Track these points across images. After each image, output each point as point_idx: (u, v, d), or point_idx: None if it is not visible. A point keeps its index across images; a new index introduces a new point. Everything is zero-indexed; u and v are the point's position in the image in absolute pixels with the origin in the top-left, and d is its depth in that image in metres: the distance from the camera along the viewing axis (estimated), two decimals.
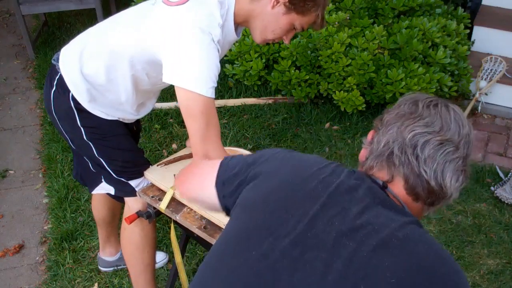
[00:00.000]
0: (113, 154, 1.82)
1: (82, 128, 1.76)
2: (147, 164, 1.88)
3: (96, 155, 1.81)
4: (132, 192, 1.88)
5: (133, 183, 1.87)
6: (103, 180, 1.92)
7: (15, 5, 3.87)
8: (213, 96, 1.49)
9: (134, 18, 1.64)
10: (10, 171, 3.09)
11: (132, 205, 1.91)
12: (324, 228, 0.98)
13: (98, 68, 1.65)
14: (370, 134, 1.13)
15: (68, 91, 1.71)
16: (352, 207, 1.01)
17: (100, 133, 1.77)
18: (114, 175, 1.85)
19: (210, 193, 1.23)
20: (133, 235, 1.96)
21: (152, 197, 1.80)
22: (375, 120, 1.13)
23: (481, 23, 3.67)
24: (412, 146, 1.02)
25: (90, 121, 1.75)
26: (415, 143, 1.02)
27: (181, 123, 3.29)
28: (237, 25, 1.62)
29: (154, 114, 3.37)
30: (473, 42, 3.70)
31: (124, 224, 1.98)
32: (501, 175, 2.96)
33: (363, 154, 1.13)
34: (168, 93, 3.57)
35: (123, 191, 1.90)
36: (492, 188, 2.87)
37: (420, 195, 1.04)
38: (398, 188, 1.05)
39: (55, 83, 1.74)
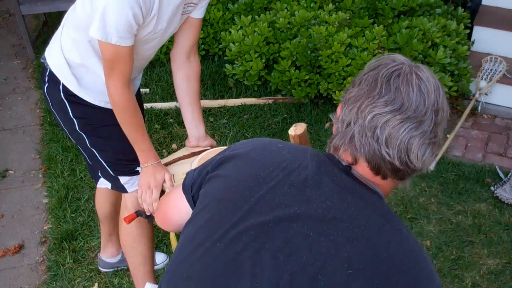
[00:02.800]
0: (104, 145, 1.84)
1: (74, 119, 1.80)
2: (138, 162, 1.87)
3: (89, 146, 1.84)
4: (122, 188, 1.91)
5: (122, 179, 1.89)
6: (100, 174, 1.95)
7: (15, 5, 3.87)
8: (121, 43, 1.56)
9: None
10: (10, 171, 3.09)
11: (127, 201, 1.94)
12: (287, 218, 0.99)
13: (70, 45, 1.75)
14: (338, 109, 1.09)
15: (58, 82, 1.77)
16: (315, 197, 1.00)
17: (91, 123, 1.81)
18: (107, 167, 1.87)
19: (181, 203, 1.21)
20: (129, 227, 1.98)
21: None
22: (343, 93, 1.08)
23: (481, 23, 3.67)
24: (371, 129, 0.97)
25: (81, 111, 1.80)
26: (375, 124, 0.97)
27: (181, 123, 3.29)
28: None
29: (154, 114, 3.37)
30: (473, 42, 3.70)
31: (121, 217, 2.01)
32: (501, 175, 2.96)
33: (334, 129, 1.11)
34: (168, 93, 3.57)
35: (116, 186, 1.93)
36: (492, 188, 2.87)
37: (387, 173, 1.01)
38: (363, 169, 1.03)
39: (46, 79, 1.81)
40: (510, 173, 2.93)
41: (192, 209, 1.18)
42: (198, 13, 1.81)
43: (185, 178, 1.22)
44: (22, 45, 4.29)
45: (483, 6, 3.84)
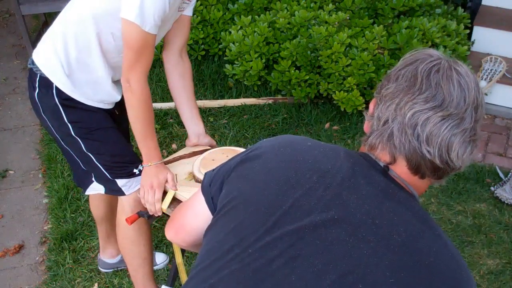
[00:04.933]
0: (100, 148, 1.83)
1: (69, 124, 1.78)
2: (135, 163, 1.87)
3: (85, 150, 1.82)
4: (119, 191, 1.90)
5: (119, 182, 1.88)
6: (93, 179, 1.94)
7: (15, 5, 3.87)
8: (152, 31, 1.57)
9: None
10: (10, 171, 3.09)
11: (125, 204, 1.93)
12: (324, 223, 0.93)
13: (67, 41, 1.70)
14: (371, 105, 1.04)
15: (51, 86, 1.74)
16: (352, 201, 0.95)
17: (86, 127, 1.80)
18: (104, 171, 1.86)
19: (200, 207, 1.14)
20: (127, 230, 1.98)
21: None
22: (377, 88, 1.03)
23: (481, 23, 3.67)
24: (412, 126, 0.94)
25: (76, 115, 1.78)
26: (415, 122, 0.93)
27: (181, 123, 3.28)
28: None
29: (154, 114, 3.37)
30: (473, 42, 3.70)
31: (118, 220, 2.00)
32: (501, 175, 2.96)
33: (366, 126, 1.06)
34: (168, 93, 3.57)
35: (112, 190, 1.91)
36: (492, 188, 2.87)
37: (426, 173, 0.98)
38: (401, 169, 0.99)
39: (36, 85, 1.77)
40: (510, 173, 2.93)
41: (212, 212, 1.11)
42: (189, 11, 1.84)
43: (204, 180, 1.15)
44: (22, 45, 4.29)
45: (483, 6, 3.85)
